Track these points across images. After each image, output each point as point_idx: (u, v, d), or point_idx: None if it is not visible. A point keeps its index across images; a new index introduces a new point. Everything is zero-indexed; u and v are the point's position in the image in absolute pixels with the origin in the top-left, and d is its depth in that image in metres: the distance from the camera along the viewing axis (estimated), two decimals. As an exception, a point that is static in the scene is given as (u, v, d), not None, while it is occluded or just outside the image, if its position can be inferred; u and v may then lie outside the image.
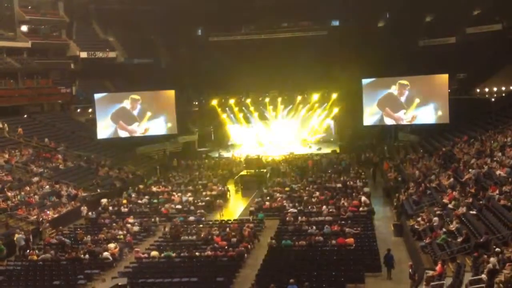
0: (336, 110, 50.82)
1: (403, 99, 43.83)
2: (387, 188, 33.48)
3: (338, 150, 47.79)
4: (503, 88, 45.66)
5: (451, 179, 27.21)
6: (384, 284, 19.14)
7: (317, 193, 31.39)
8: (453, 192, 24.69)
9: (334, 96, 50.34)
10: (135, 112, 46.25)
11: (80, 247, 23.78)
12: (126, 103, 45.98)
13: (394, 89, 44.06)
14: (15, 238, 24.45)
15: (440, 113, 42.78)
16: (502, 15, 47.74)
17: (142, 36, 55.51)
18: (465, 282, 15.27)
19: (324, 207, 28.23)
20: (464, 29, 49.85)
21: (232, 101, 52.28)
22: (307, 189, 32.88)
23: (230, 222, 27.84)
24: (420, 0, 50.98)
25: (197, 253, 22.42)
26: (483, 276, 14.59)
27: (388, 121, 45.09)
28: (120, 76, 52.37)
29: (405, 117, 43.94)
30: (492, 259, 15.19)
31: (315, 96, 51.13)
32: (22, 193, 30.80)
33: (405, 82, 43.69)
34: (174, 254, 22.40)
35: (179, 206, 31.16)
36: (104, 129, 45.44)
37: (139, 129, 46.28)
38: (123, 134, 46.05)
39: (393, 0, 52.31)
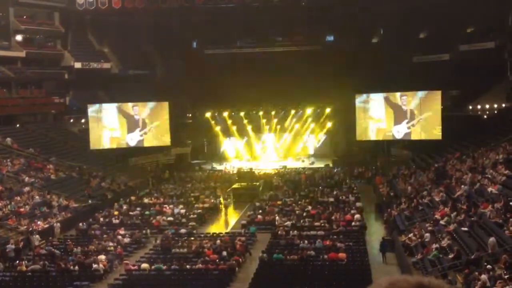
0: (329, 124, 51.05)
1: (406, 109, 44.41)
2: (380, 203, 33.49)
3: (331, 165, 47.86)
4: (495, 106, 45.93)
5: (443, 195, 27.26)
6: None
7: (310, 207, 31.35)
8: (445, 208, 24.73)
9: (328, 110, 50.64)
10: (134, 121, 46.63)
11: (70, 259, 23.58)
12: (121, 114, 46.34)
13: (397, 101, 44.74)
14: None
15: (433, 129, 42.99)
16: (495, 33, 48.12)
17: (137, 47, 55.52)
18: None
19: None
20: (457, 46, 50.19)
21: (225, 114, 52.40)
22: (300, 203, 32.84)
23: (221, 235, 27.73)
24: (414, 17, 51.35)
25: (188, 266, 22.30)
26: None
27: (381, 136, 45.45)
28: (114, 87, 52.26)
29: (404, 129, 44.34)
30: (483, 276, 15.19)
31: (309, 110, 51.39)
32: (13, 203, 30.57)
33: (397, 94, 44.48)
34: (164, 267, 22.25)
35: (170, 218, 31.02)
36: (97, 139, 45.40)
37: (135, 138, 46.57)
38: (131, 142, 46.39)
39: (387, 17, 52.68)
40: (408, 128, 44.25)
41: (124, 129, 46.37)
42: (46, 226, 28.35)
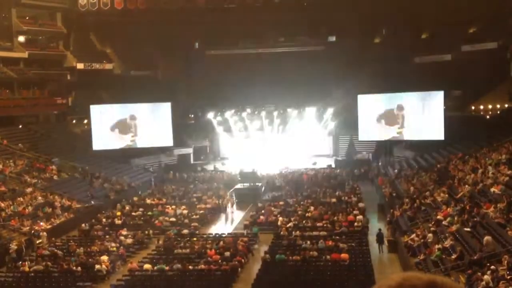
0: (332, 124, 51.01)
1: (400, 116, 44.31)
2: (382, 203, 33.45)
3: (333, 165, 47.81)
4: (498, 106, 45.92)
5: (446, 196, 27.22)
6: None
7: (312, 208, 31.33)
8: (447, 209, 24.69)
9: (330, 110, 50.62)
10: (131, 123, 46.50)
11: (72, 259, 23.60)
12: (123, 115, 46.29)
13: (392, 107, 44.66)
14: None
15: (435, 129, 42.93)
16: (497, 34, 48.12)
17: (139, 48, 55.58)
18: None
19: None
20: (459, 47, 50.19)
21: (228, 114, 52.41)
22: (302, 204, 32.82)
23: (224, 235, 27.72)
24: (416, 17, 51.36)
25: (190, 267, 22.29)
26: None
27: (383, 136, 45.40)
28: (116, 88, 52.33)
29: (399, 131, 44.35)
30: (486, 277, 15.16)
31: (312, 111, 51.35)
32: (15, 203, 30.61)
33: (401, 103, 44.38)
34: (167, 267, 22.27)
35: (173, 219, 31.02)
36: (100, 140, 45.45)
37: (133, 139, 46.49)
38: (119, 144, 46.10)
39: (389, 17, 52.68)
40: (398, 133, 44.39)
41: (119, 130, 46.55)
42: (27, 238, 27.24)
